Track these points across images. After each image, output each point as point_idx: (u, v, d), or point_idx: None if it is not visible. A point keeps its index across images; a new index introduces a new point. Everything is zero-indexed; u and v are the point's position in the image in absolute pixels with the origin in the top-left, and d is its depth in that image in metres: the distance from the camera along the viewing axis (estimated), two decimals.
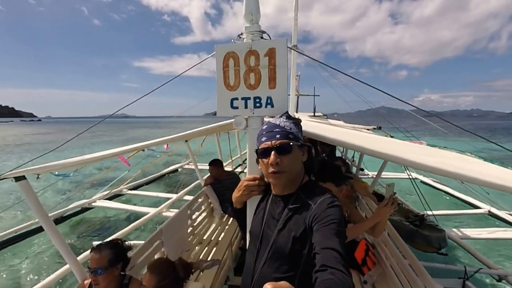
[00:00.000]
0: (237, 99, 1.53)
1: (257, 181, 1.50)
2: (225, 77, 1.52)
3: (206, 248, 3.87)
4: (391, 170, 8.15)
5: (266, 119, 1.55)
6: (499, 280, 3.96)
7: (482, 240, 5.35)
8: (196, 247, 3.86)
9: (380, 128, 4.89)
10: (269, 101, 1.50)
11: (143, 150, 4.98)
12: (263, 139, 1.32)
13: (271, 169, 1.28)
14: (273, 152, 1.26)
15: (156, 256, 2.94)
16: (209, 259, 3.55)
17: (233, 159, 10.49)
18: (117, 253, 2.02)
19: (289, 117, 1.38)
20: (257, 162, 1.39)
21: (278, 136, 1.28)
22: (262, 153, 1.31)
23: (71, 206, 6.89)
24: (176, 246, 3.27)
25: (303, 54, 1.98)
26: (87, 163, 2.10)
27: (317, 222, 1.15)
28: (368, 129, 4.70)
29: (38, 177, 2.14)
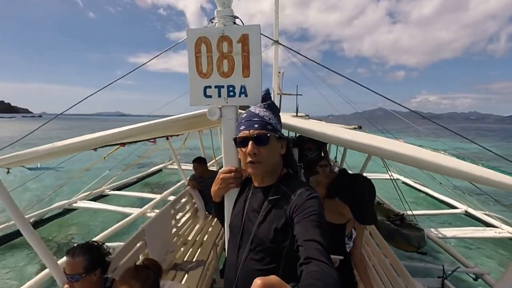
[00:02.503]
0: (210, 87, 1.47)
1: (233, 173, 1.48)
2: (197, 63, 1.46)
3: (191, 249, 3.84)
4: (373, 170, 8.30)
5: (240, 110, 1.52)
6: (476, 279, 4.10)
7: (459, 239, 5.53)
8: (181, 248, 3.82)
9: (360, 127, 4.96)
10: (243, 90, 1.46)
11: (123, 145, 4.88)
12: (242, 127, 1.31)
13: (248, 159, 1.28)
14: (250, 142, 1.26)
15: (140, 257, 2.88)
16: (194, 260, 3.53)
17: (216, 159, 10.44)
18: (93, 259, 1.89)
19: (269, 106, 1.35)
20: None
21: (256, 125, 1.27)
22: (240, 142, 1.30)
23: (51, 207, 6.73)
24: (160, 247, 3.21)
25: (286, 47, 1.93)
26: (62, 152, 1.97)
27: (298, 213, 1.16)
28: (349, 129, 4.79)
29: (8, 172, 1.97)
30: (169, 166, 12.15)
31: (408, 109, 2.05)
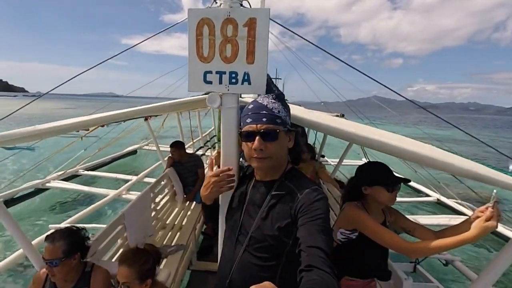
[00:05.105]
0: (211, 72, 1.39)
1: (225, 175, 1.35)
2: (198, 46, 1.36)
3: (170, 233, 3.79)
4: (351, 158, 8.40)
5: (247, 98, 1.45)
6: (446, 264, 4.28)
7: (432, 226, 5.73)
8: (160, 232, 3.76)
9: (343, 115, 4.95)
10: (246, 77, 1.37)
11: (102, 126, 4.74)
12: (248, 120, 1.22)
13: (254, 154, 1.21)
14: (257, 137, 1.18)
15: (119, 241, 2.83)
16: (173, 244, 3.49)
17: (194, 141, 10.31)
18: (72, 243, 1.85)
19: (278, 97, 1.27)
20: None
21: (264, 119, 1.19)
22: (246, 136, 1.23)
23: (22, 186, 6.39)
24: (139, 231, 3.14)
25: (281, 25, 1.87)
26: (43, 134, 1.92)
27: (303, 215, 1.11)
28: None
29: None
30: (145, 147, 11.87)
31: (404, 97, 2.01)
